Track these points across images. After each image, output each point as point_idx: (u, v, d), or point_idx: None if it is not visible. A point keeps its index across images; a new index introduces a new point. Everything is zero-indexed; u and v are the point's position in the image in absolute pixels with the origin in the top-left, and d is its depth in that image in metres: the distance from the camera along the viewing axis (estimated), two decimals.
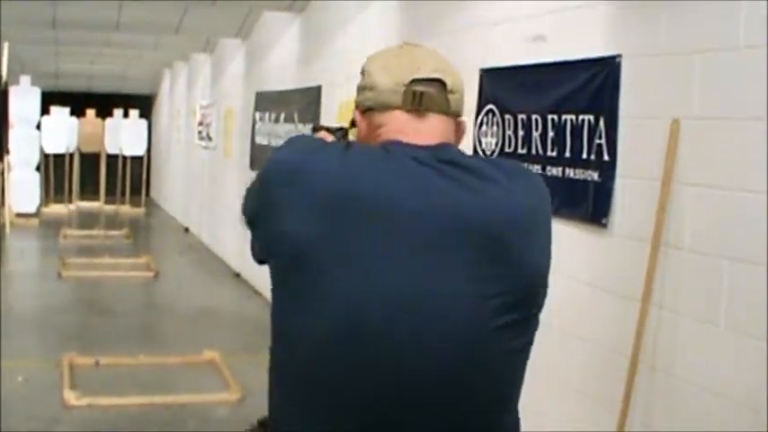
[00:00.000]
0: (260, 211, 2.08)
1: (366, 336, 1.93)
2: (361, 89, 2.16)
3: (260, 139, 12.49)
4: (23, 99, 19.98)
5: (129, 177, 22.94)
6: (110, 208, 22.46)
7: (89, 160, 23.02)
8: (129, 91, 26.39)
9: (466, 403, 1.99)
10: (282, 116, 11.35)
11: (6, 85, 18.06)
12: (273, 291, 2.06)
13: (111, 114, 23.12)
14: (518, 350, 2.06)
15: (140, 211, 22.84)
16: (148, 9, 12.79)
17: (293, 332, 2.01)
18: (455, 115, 2.13)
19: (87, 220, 20.55)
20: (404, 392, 1.95)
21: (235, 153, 14.50)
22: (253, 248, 2.17)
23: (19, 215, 19.88)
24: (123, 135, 22.56)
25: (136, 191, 23.15)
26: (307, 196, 1.97)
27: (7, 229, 18.10)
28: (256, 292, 11.99)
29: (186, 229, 18.95)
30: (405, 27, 7.76)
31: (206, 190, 16.92)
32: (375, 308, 1.93)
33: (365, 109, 2.14)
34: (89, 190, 23.29)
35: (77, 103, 23.34)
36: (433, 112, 2.09)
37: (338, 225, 1.94)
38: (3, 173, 17.98)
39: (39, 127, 20.91)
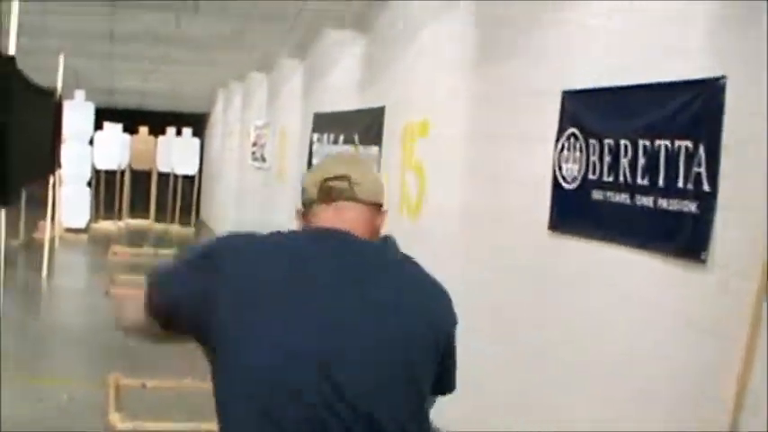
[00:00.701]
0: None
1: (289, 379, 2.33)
2: (301, 193, 2.60)
3: (317, 162, 12.18)
4: (77, 114, 19.82)
5: (180, 196, 22.79)
6: (159, 226, 22.36)
7: (140, 177, 23.15)
8: (182, 109, 26.21)
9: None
10: (342, 138, 11.04)
11: (61, 98, 17.89)
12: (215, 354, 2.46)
13: (163, 132, 23.08)
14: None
15: (190, 231, 22.62)
16: (207, 25, 12.62)
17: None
18: (368, 203, 2.54)
19: (137, 238, 20.39)
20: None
21: (289, 175, 14.21)
22: (160, 293, 2.59)
23: (68, 230, 19.77)
24: (175, 153, 22.61)
25: (186, 210, 23.01)
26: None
27: (56, 244, 17.91)
28: None
29: None
30: (479, 48, 7.40)
31: (258, 212, 16.64)
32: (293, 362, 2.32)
33: (302, 208, 2.58)
34: (139, 207, 23.24)
35: (130, 119, 23.28)
36: (342, 200, 2.51)
37: (266, 299, 2.39)
38: (54, 187, 17.81)
39: (91, 142, 20.84)
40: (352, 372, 2.30)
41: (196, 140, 23.21)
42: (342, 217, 2.50)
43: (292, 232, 2.52)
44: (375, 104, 9.98)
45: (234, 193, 20.22)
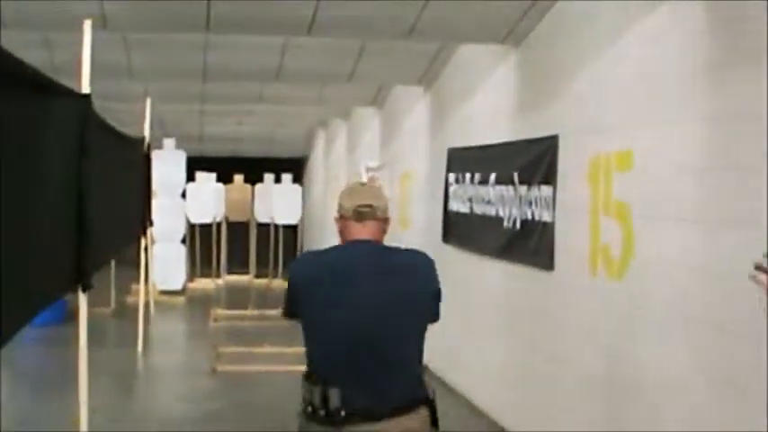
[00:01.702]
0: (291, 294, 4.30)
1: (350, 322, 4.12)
2: (338, 206, 4.31)
3: (456, 206, 10.12)
4: (168, 164, 18.17)
5: (282, 248, 21.03)
6: (261, 282, 20.69)
7: (237, 230, 21.45)
8: (277, 154, 24.44)
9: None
10: (492, 177, 8.96)
11: (149, 148, 16.13)
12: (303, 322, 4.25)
13: (260, 179, 21.45)
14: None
15: None
16: (310, 56, 10.69)
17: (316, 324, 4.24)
18: (382, 219, 4.28)
19: (237, 298, 18.65)
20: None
21: (414, 222, 12.18)
22: (285, 310, 4.36)
23: (163, 293, 17.98)
24: (275, 202, 20.83)
25: (288, 262, 21.09)
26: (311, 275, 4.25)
27: (151, 310, 16.08)
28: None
29: None
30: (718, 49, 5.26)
31: None
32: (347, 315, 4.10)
33: (339, 216, 4.30)
34: (238, 263, 21.62)
35: (223, 167, 21.63)
36: (368, 220, 4.23)
37: (326, 280, 4.15)
38: (146, 247, 16.06)
39: (183, 195, 19.18)
40: (378, 316, 4.09)
41: (297, 187, 21.38)
42: (367, 230, 4.24)
43: (340, 246, 4.30)
44: (541, 133, 7.89)
45: None
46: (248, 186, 21.44)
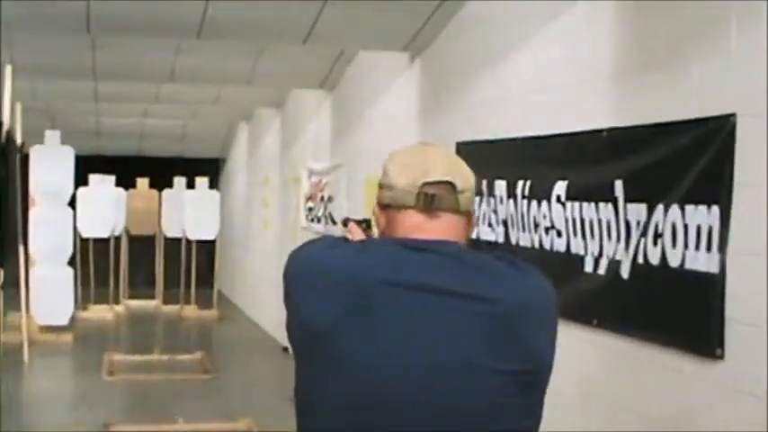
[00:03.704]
0: (288, 301, 2.40)
1: (389, 405, 2.23)
2: (381, 186, 2.41)
3: (474, 230, 6.56)
4: (51, 164, 14.46)
5: (195, 269, 17.78)
6: (170, 309, 17.53)
7: (140, 245, 18.45)
8: (190, 154, 21.22)
9: None
10: (561, 188, 5.42)
11: (23, 146, 12.49)
12: (299, 369, 2.35)
13: (169, 184, 18.36)
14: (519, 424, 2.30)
15: (212, 314, 17.10)
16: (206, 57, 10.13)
17: (321, 402, 2.29)
18: (466, 213, 2.37)
19: (141, 332, 15.39)
20: None
21: None
22: (289, 333, 2.40)
23: (45, 329, 14.13)
24: (188, 212, 17.52)
25: (203, 284, 17.77)
26: (326, 285, 2.30)
27: (25, 356, 12.29)
28: None
29: (285, 349, 12.81)
30: None
31: None
32: (396, 379, 2.22)
33: (385, 205, 2.39)
34: (141, 285, 18.70)
35: (124, 169, 18.66)
36: (444, 211, 2.34)
37: (357, 308, 2.24)
38: (20, 272, 12.43)
39: (73, 203, 15.53)
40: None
41: (215, 193, 18.03)
42: (442, 228, 2.35)
43: (389, 243, 2.38)
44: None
45: (275, 268, 14.45)
46: (155, 192, 18.55)
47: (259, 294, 15.81)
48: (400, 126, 8.55)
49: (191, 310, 17.24)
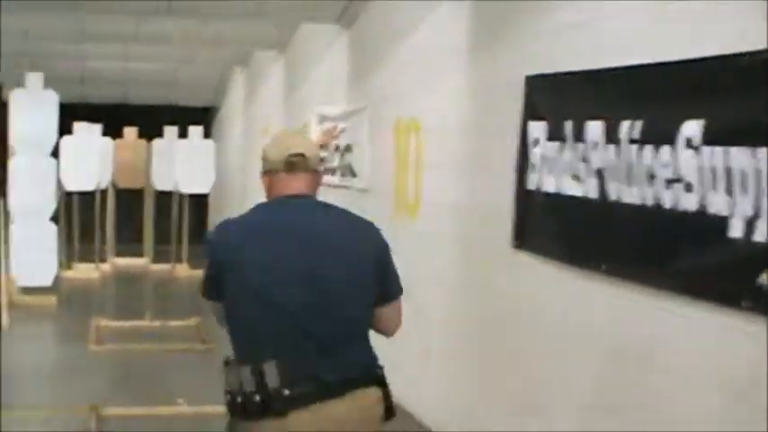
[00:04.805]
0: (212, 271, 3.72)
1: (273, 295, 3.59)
2: (262, 160, 3.81)
3: (555, 184, 5.39)
4: (32, 111, 13.63)
5: (188, 224, 17.30)
6: (160, 268, 16.81)
7: (129, 200, 18.17)
8: (184, 102, 20.72)
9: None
10: (694, 129, 4.20)
11: (1, 91, 11.49)
12: (228, 300, 3.66)
13: (159, 134, 17.74)
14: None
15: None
16: None
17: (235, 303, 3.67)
18: (314, 171, 3.79)
19: (129, 295, 14.61)
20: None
21: (431, 207, 7.48)
22: (205, 290, 3.76)
23: (26, 291, 13.22)
24: (180, 164, 17.02)
25: (195, 241, 16.82)
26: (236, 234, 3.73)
27: (4, 321, 11.19)
28: None
29: None
30: None
31: None
32: (279, 267, 3.60)
33: (265, 171, 3.78)
34: (130, 242, 18.15)
35: (112, 117, 18.17)
36: (300, 171, 3.73)
37: (253, 243, 3.62)
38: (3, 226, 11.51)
39: (56, 153, 14.72)
40: (324, 276, 3.59)
41: (209, 143, 17.39)
42: (300, 183, 3.72)
43: (266, 203, 3.78)
44: None
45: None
46: (144, 143, 17.96)
47: None
48: (443, 62, 7.32)
49: (182, 269, 16.57)
